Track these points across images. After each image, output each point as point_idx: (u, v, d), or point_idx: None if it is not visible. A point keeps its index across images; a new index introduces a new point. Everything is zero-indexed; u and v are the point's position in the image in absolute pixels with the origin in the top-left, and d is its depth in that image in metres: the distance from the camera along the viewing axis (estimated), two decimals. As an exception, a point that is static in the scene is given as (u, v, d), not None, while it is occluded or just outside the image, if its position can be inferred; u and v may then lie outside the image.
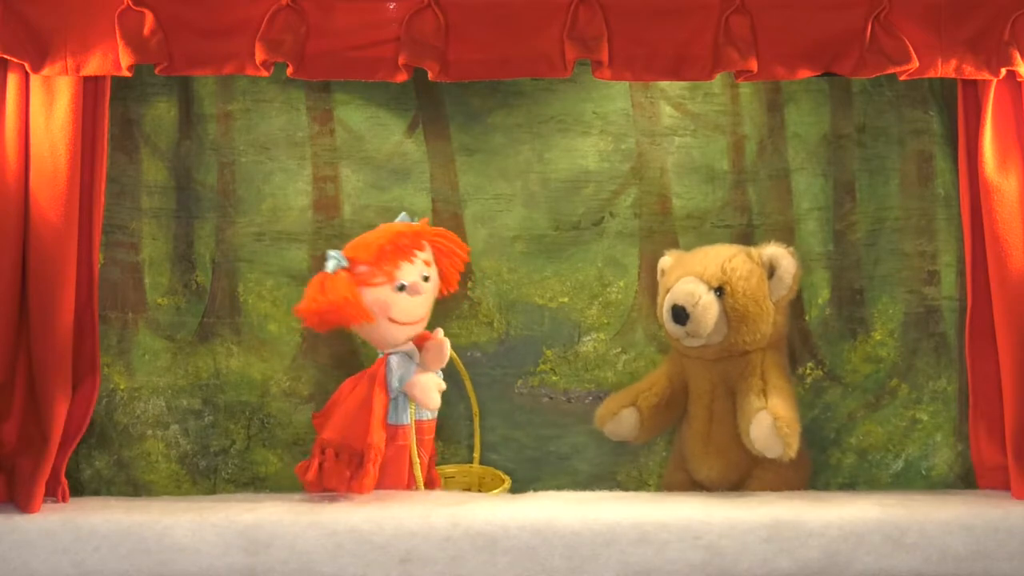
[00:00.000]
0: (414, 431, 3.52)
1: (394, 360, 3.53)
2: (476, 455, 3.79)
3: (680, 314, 3.57)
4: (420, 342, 3.58)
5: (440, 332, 3.56)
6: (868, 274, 3.87)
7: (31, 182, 3.39)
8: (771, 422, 3.46)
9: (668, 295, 3.61)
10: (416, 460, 3.51)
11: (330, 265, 3.49)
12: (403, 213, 3.67)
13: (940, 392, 3.83)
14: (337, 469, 3.46)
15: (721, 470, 3.64)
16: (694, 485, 3.71)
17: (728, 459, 3.64)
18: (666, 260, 3.74)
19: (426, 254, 3.61)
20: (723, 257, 3.62)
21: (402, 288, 3.53)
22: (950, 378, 3.83)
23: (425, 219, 3.70)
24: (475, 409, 3.76)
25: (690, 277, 3.60)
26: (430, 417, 3.59)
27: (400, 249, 3.54)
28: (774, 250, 3.63)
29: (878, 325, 3.86)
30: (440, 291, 3.66)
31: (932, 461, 3.82)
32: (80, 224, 3.42)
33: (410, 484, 3.55)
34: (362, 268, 3.51)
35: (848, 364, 3.87)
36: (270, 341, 3.81)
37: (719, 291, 3.58)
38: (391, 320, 3.53)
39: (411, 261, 3.56)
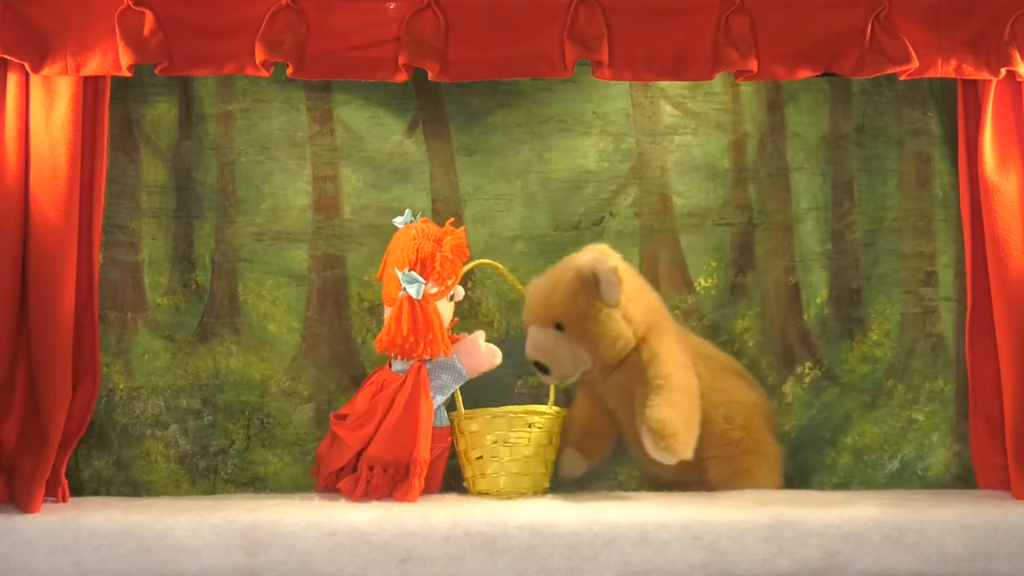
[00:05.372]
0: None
1: (434, 365, 3.51)
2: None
3: (541, 368, 3.58)
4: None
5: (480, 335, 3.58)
6: (866, 274, 3.87)
7: (31, 182, 3.39)
8: (649, 433, 3.40)
9: (527, 346, 3.60)
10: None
11: (416, 290, 3.46)
12: (408, 211, 3.64)
13: (937, 393, 3.84)
14: (384, 483, 3.45)
15: (668, 471, 3.57)
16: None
17: None
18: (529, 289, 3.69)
19: None
20: (548, 291, 3.57)
21: (451, 297, 3.57)
22: (947, 379, 3.83)
23: (425, 218, 3.68)
24: None
25: (534, 327, 3.59)
26: (444, 425, 3.58)
27: (461, 259, 3.55)
28: (589, 258, 3.55)
29: (875, 325, 3.86)
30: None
31: (928, 461, 3.82)
32: (80, 224, 3.42)
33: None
34: (432, 288, 3.50)
35: (845, 364, 3.87)
36: (270, 341, 3.80)
37: (559, 327, 3.56)
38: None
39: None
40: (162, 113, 3.79)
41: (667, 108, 3.87)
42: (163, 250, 3.79)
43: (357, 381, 3.73)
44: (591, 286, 3.53)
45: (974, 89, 3.56)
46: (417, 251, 3.51)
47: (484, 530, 3.20)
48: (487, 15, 3.40)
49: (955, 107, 3.66)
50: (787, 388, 3.86)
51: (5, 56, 3.33)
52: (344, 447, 3.48)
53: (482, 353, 3.55)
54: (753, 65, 3.38)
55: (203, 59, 3.36)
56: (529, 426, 3.54)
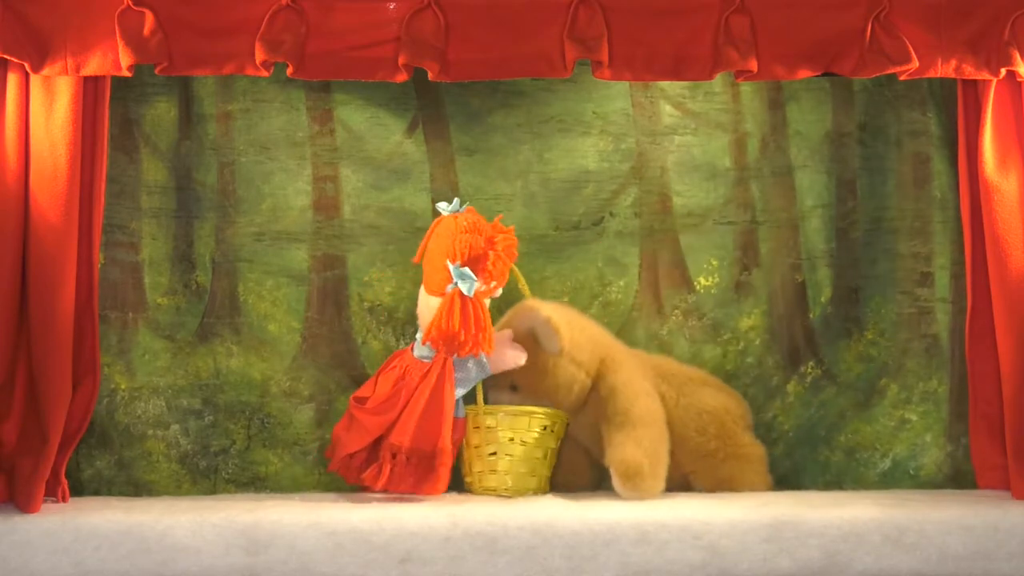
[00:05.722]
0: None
1: (460, 358, 3.50)
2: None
3: None
4: None
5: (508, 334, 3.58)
6: (865, 273, 3.87)
7: (31, 182, 3.39)
8: (615, 476, 3.43)
9: None
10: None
11: (468, 287, 3.44)
12: (456, 200, 3.58)
13: (931, 393, 3.84)
14: (408, 472, 3.44)
15: None
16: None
17: None
18: None
19: None
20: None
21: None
22: (941, 379, 3.83)
23: (470, 207, 3.62)
24: None
25: (493, 391, 3.62)
26: (462, 416, 3.57)
27: (511, 261, 3.54)
28: (521, 317, 3.58)
29: (870, 324, 3.86)
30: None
31: (920, 461, 3.82)
32: (80, 224, 3.43)
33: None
34: (480, 286, 3.49)
35: (843, 363, 3.87)
36: (270, 341, 3.81)
37: (515, 388, 3.59)
38: None
39: None
40: (162, 113, 3.79)
41: (667, 108, 3.87)
42: (163, 250, 3.79)
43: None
44: (531, 342, 3.54)
45: (974, 89, 3.56)
46: (470, 247, 3.48)
47: (484, 530, 3.20)
48: (487, 15, 3.40)
49: (955, 107, 3.66)
50: (790, 387, 3.86)
51: (5, 56, 3.33)
52: (363, 431, 3.47)
53: (508, 351, 3.54)
54: (753, 65, 3.39)
55: (203, 59, 3.36)
56: (544, 427, 3.55)
